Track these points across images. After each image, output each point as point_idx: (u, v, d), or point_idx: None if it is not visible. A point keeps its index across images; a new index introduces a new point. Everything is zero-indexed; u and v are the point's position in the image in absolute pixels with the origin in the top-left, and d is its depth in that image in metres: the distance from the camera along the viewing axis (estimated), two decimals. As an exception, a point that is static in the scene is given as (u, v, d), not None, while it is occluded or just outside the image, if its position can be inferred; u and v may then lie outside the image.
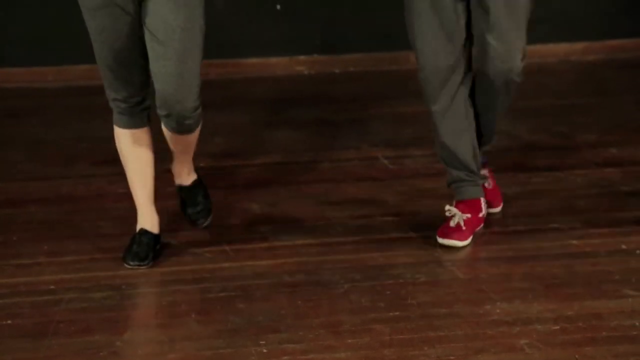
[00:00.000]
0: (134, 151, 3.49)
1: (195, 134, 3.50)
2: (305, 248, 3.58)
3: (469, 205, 3.63)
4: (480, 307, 3.17)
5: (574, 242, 3.60)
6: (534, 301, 3.20)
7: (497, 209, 3.81)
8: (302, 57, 5.59)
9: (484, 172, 3.75)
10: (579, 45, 5.71)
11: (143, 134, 3.48)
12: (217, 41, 5.42)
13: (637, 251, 3.52)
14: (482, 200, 3.67)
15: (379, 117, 4.88)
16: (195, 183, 3.76)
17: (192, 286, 3.36)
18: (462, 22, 3.47)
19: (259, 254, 3.55)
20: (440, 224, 3.65)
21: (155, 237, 3.51)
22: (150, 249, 3.47)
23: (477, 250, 3.55)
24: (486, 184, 3.75)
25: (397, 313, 3.15)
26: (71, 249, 3.57)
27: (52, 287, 3.34)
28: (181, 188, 3.76)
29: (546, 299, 3.22)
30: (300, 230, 3.72)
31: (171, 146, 3.61)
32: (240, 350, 2.98)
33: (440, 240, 3.58)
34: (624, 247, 3.55)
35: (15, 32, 5.43)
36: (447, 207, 3.63)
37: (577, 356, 2.91)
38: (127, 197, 4.01)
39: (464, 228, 3.58)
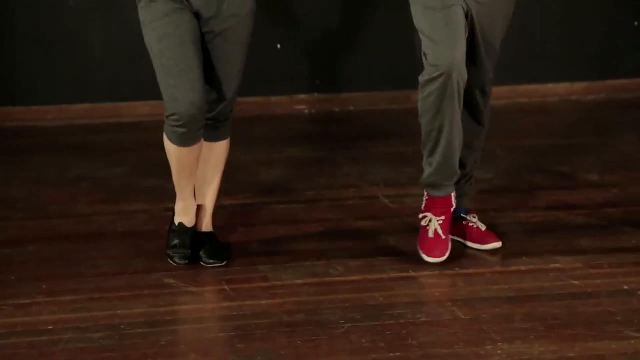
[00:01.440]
0: (190, 164, 3.62)
1: (227, 144, 3.70)
2: (304, 287, 3.57)
3: (441, 203, 3.71)
4: (481, 348, 3.15)
5: (576, 282, 3.58)
6: (535, 342, 3.18)
7: (497, 244, 3.82)
8: (302, 96, 5.61)
9: (472, 216, 3.86)
10: (580, 85, 5.72)
11: (196, 148, 3.59)
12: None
13: (639, 292, 3.50)
14: (453, 195, 3.74)
15: (379, 156, 4.88)
16: (213, 234, 3.81)
17: (191, 326, 3.34)
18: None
19: (258, 293, 3.53)
20: (442, 263, 3.64)
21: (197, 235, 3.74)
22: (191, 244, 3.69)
23: (478, 290, 3.53)
24: (481, 227, 3.82)
25: (397, 354, 3.12)
26: (70, 289, 3.56)
27: (50, 327, 3.31)
28: (200, 234, 3.79)
29: (547, 339, 3.20)
30: (300, 269, 3.71)
31: (201, 179, 3.71)
32: (240, 391, 2.95)
33: (424, 257, 3.69)
34: (625, 287, 3.53)
35: (16, 71, 5.45)
36: (421, 214, 3.71)
37: (579, 398, 2.88)
38: (127, 236, 4.01)
39: (443, 237, 3.66)
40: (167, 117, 3.53)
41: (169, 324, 3.33)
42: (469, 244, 3.81)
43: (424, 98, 3.59)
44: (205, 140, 3.63)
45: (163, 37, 3.42)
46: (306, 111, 5.59)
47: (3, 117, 5.42)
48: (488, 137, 3.96)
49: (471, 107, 3.76)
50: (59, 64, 5.43)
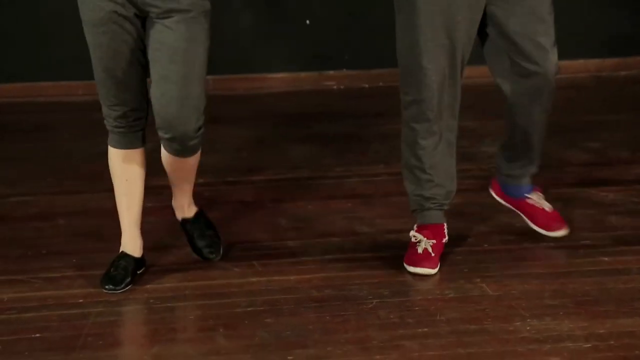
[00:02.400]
0: (124, 172, 3.43)
1: (197, 156, 3.41)
2: (333, 263, 3.57)
3: (432, 230, 3.53)
4: (510, 324, 3.14)
5: (606, 259, 3.56)
6: (565, 318, 3.17)
7: (564, 232, 3.65)
8: (331, 72, 5.59)
9: (536, 194, 3.67)
10: (610, 61, 5.67)
11: (136, 155, 3.41)
12: (244, 56, 5.43)
13: (670, 268, 3.48)
14: (445, 225, 3.56)
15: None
16: (197, 214, 3.65)
17: (220, 301, 3.35)
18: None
19: (286, 268, 3.54)
20: (471, 239, 3.62)
21: (136, 261, 3.45)
22: (128, 273, 3.40)
23: (507, 266, 3.52)
24: (546, 207, 3.65)
25: (426, 329, 3.12)
26: (100, 263, 3.57)
27: (80, 300, 3.34)
28: (185, 221, 3.64)
29: (577, 316, 3.18)
30: (329, 245, 3.71)
31: (171, 175, 3.51)
32: (268, 365, 2.96)
33: (411, 268, 3.45)
34: (656, 264, 3.51)
35: (46, 48, 5.47)
36: (412, 233, 3.53)
37: (609, 374, 2.87)
38: (155, 211, 4.02)
39: (432, 254, 3.47)
40: (105, 117, 3.39)
41: (198, 298, 3.34)
42: (533, 226, 3.64)
43: None
44: (174, 155, 3.37)
45: (97, 46, 3.25)
46: (335, 87, 5.58)
47: (32, 92, 5.45)
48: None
49: None
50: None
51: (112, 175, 3.46)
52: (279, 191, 4.22)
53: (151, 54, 3.21)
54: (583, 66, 5.64)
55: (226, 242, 3.72)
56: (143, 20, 3.24)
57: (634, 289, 3.35)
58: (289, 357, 2.98)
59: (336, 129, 4.93)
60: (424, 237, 3.51)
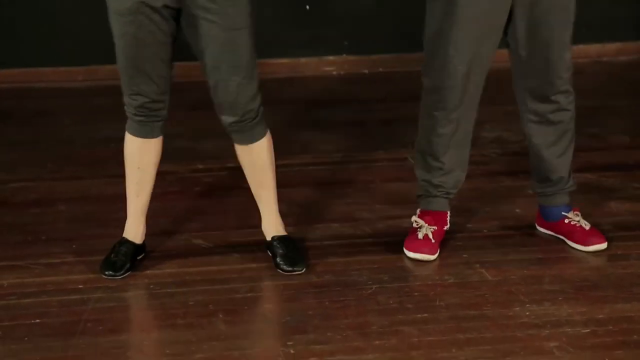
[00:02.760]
0: (138, 160, 3.41)
1: (265, 146, 3.39)
2: (333, 249, 3.57)
3: (435, 217, 3.54)
4: (509, 309, 3.14)
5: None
6: (564, 304, 3.17)
7: (602, 246, 3.53)
8: (331, 58, 5.58)
9: (574, 214, 3.57)
10: (611, 46, 5.66)
11: (152, 144, 3.40)
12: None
13: (670, 254, 3.48)
14: (448, 214, 3.57)
15: (408, 118, 4.85)
16: (287, 236, 3.51)
17: (220, 286, 3.35)
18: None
19: (286, 254, 3.53)
20: (471, 225, 3.63)
21: (136, 247, 3.45)
22: (128, 259, 3.41)
23: (506, 252, 3.52)
24: (584, 225, 3.55)
25: (425, 315, 3.13)
26: (99, 249, 3.58)
27: (80, 286, 3.34)
28: (273, 239, 3.48)
29: (576, 301, 3.19)
30: (329, 230, 3.71)
31: (252, 186, 3.46)
32: (268, 350, 2.97)
33: (410, 254, 3.46)
34: (655, 249, 3.52)
35: (47, 33, 5.46)
36: (414, 218, 3.54)
37: (607, 359, 2.87)
38: (155, 197, 4.02)
39: (433, 241, 3.48)
40: (125, 105, 3.38)
41: (198, 284, 3.35)
42: (571, 244, 3.53)
43: None
44: (240, 144, 3.39)
45: (122, 35, 3.25)
46: (335, 72, 5.57)
47: (33, 77, 5.44)
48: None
49: None
50: (89, 25, 5.43)
51: (125, 161, 3.44)
52: (278, 176, 4.21)
53: (199, 46, 3.21)
54: (583, 51, 5.63)
55: (225, 228, 3.72)
56: (177, 12, 3.22)
57: (633, 274, 3.35)
58: (288, 343, 2.99)
59: (336, 115, 4.92)
60: (426, 223, 3.51)
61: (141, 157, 3.41)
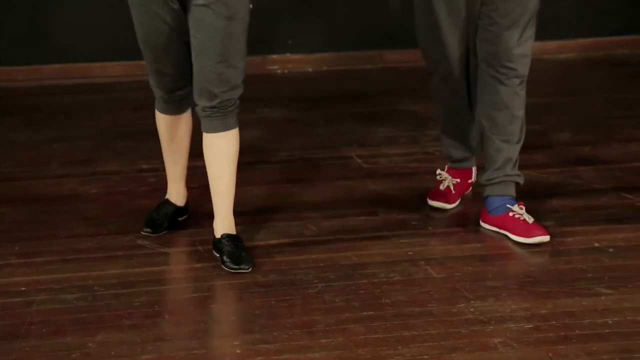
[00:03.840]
0: (170, 133, 3.62)
1: (232, 138, 3.43)
2: (278, 248, 3.57)
3: (459, 171, 3.85)
4: (454, 306, 3.17)
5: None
6: (507, 299, 3.21)
7: (544, 238, 3.58)
8: (275, 56, 5.58)
9: (518, 207, 3.64)
10: (552, 44, 5.73)
11: (182, 119, 3.60)
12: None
13: (610, 249, 3.54)
14: (474, 169, 3.86)
15: (353, 116, 4.88)
16: (234, 235, 3.49)
17: (165, 287, 3.34)
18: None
19: (232, 254, 3.53)
20: (416, 223, 3.66)
21: (176, 209, 3.68)
22: (167, 218, 3.64)
23: (450, 249, 3.55)
24: (528, 219, 3.59)
25: (371, 312, 3.14)
26: (43, 250, 3.55)
27: (23, 288, 3.31)
28: (222, 236, 3.48)
29: (520, 297, 3.22)
30: (274, 229, 3.71)
31: (211, 184, 3.48)
32: (214, 350, 2.96)
33: (431, 202, 3.82)
34: (597, 245, 3.56)
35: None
36: (439, 171, 3.84)
37: (550, 355, 2.91)
38: (100, 198, 3.99)
39: (453, 191, 3.80)
40: (151, 86, 3.58)
41: (143, 284, 3.33)
42: (515, 237, 3.56)
43: None
44: (209, 132, 3.44)
45: (139, 24, 3.44)
46: (279, 71, 5.57)
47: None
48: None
49: None
50: (29, 24, 5.37)
51: (159, 136, 3.65)
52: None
53: (191, 32, 3.35)
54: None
55: (171, 228, 3.71)
56: (184, 2, 3.36)
57: (575, 269, 3.40)
58: (235, 343, 2.99)
59: (280, 114, 4.92)
60: (450, 175, 3.83)
61: (172, 132, 3.61)
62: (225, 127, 3.43)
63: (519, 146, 3.68)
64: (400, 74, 5.43)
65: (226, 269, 3.39)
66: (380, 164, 4.30)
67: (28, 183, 4.16)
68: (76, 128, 4.76)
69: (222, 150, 3.45)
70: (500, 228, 3.63)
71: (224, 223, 3.50)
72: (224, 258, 3.41)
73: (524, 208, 3.62)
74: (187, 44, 3.42)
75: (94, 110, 5.00)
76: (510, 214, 3.60)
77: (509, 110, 3.62)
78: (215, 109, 3.39)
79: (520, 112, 3.66)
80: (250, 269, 3.39)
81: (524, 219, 3.58)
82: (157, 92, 3.57)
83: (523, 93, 3.66)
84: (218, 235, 3.49)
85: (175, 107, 3.58)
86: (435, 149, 4.38)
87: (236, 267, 3.39)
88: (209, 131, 3.43)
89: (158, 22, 3.38)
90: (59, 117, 4.89)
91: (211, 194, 3.52)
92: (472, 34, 3.62)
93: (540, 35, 5.73)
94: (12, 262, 3.48)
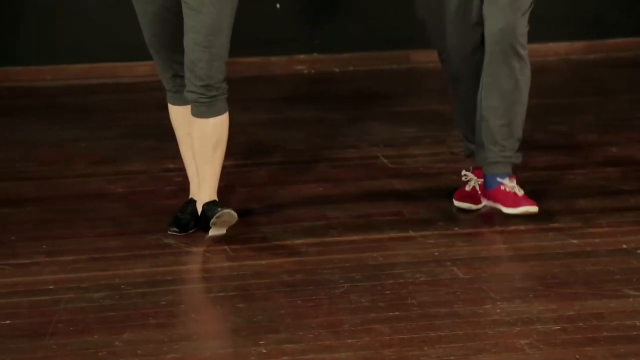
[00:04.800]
0: (185, 126, 3.61)
1: (220, 124, 3.51)
2: (304, 248, 3.57)
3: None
4: (480, 307, 3.16)
5: (575, 241, 3.59)
6: (534, 301, 3.19)
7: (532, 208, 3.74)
8: (301, 56, 5.58)
9: (510, 180, 3.76)
10: (579, 44, 5.70)
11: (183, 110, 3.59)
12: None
13: (638, 250, 3.51)
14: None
15: (379, 116, 4.88)
16: (214, 202, 3.57)
17: (192, 286, 3.34)
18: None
19: (258, 253, 3.54)
20: (442, 223, 3.65)
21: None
22: (193, 217, 3.62)
23: (477, 250, 3.54)
24: (518, 192, 3.73)
25: (397, 313, 3.13)
26: (70, 249, 3.56)
27: (50, 287, 3.32)
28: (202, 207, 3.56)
29: (547, 298, 3.21)
30: (300, 230, 3.71)
31: (196, 155, 3.55)
32: (240, 350, 2.96)
33: (457, 203, 3.79)
34: (624, 246, 3.54)
35: (14, 31, 5.42)
36: (464, 172, 3.83)
37: (577, 356, 2.89)
38: (126, 197, 4.01)
39: (479, 192, 3.78)
40: (161, 78, 3.63)
41: (169, 283, 3.34)
42: (504, 209, 3.71)
43: None
44: (200, 117, 3.50)
45: (143, 14, 3.52)
46: (305, 71, 5.58)
47: (1, 77, 5.40)
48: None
49: None
50: (57, 24, 5.40)
51: (174, 130, 3.68)
52: (249, 176, 4.22)
53: (183, 10, 3.44)
54: (552, 49, 5.67)
55: (196, 228, 3.71)
56: None
57: (602, 270, 3.38)
58: (260, 342, 2.99)
59: (306, 114, 4.93)
60: (475, 176, 3.79)
61: (187, 123, 3.59)
62: (216, 114, 3.51)
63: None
64: (427, 74, 5.41)
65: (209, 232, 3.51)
66: (406, 164, 4.29)
67: (54, 182, 4.18)
68: (102, 128, 4.78)
69: (210, 137, 3.52)
70: (494, 202, 3.76)
71: (205, 197, 3.56)
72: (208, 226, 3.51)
73: (515, 181, 3.74)
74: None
75: (119, 109, 5.02)
76: (502, 187, 3.74)
77: (512, 93, 3.75)
78: (207, 96, 3.48)
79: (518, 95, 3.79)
80: (231, 210, 3.46)
81: (514, 192, 3.70)
82: (168, 84, 3.60)
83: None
84: (199, 207, 3.57)
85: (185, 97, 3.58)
86: (461, 149, 4.36)
87: (213, 219, 3.45)
88: (201, 117, 3.52)
89: (162, 10, 3.46)
90: (84, 116, 4.91)
91: (197, 169, 3.57)
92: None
93: (567, 36, 5.73)
94: (39, 261, 3.50)
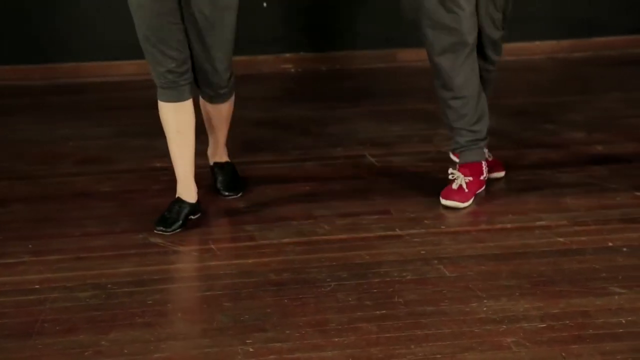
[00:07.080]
0: (175, 124, 3.66)
1: (229, 106, 3.85)
2: (291, 246, 3.58)
3: (470, 168, 3.86)
4: (467, 305, 3.16)
5: (561, 239, 3.60)
6: (520, 299, 3.20)
7: (501, 174, 4.05)
8: (288, 55, 5.58)
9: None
10: (565, 43, 5.71)
11: (184, 107, 3.65)
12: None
13: (624, 248, 3.52)
14: (484, 163, 3.91)
15: (366, 115, 4.88)
16: (227, 163, 4.00)
17: (178, 285, 3.34)
18: None
19: (245, 252, 3.54)
20: (429, 222, 3.65)
21: (190, 206, 3.69)
22: (180, 217, 3.65)
23: (463, 248, 3.55)
24: (487, 157, 3.97)
25: (384, 311, 3.14)
26: (56, 248, 3.56)
27: (37, 286, 3.32)
28: (215, 165, 3.99)
29: (533, 296, 3.22)
30: (287, 228, 3.71)
31: (208, 124, 3.92)
32: (227, 349, 2.97)
33: (443, 201, 3.81)
34: (610, 244, 3.55)
35: (2, 31, 5.41)
36: (450, 170, 3.87)
37: (563, 354, 2.90)
38: (112, 196, 4.00)
39: (466, 190, 3.82)
40: (152, 75, 3.62)
41: (156, 283, 3.33)
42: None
43: None
44: (212, 103, 3.84)
45: (138, 8, 3.54)
46: (292, 70, 5.57)
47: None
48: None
49: None
50: (44, 23, 5.39)
51: (164, 128, 3.71)
52: (240, 173, 4.21)
53: (190, 20, 3.55)
54: (539, 48, 5.68)
55: (184, 227, 3.71)
56: None
57: (588, 268, 3.39)
58: (247, 341, 2.99)
59: (293, 112, 4.92)
60: (461, 174, 3.85)
61: (177, 120, 3.65)
62: (224, 101, 3.83)
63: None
64: (414, 73, 5.42)
65: (220, 195, 3.89)
66: (393, 162, 4.29)
67: (41, 181, 4.17)
68: (90, 126, 4.77)
69: (220, 114, 3.89)
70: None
71: (216, 155, 3.99)
72: (217, 185, 3.93)
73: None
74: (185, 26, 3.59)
75: (107, 108, 5.01)
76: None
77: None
78: (218, 92, 3.75)
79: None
80: (240, 195, 3.89)
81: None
82: (161, 79, 3.61)
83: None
84: (211, 162, 4.00)
85: (179, 93, 3.64)
86: (448, 148, 4.37)
87: (226, 193, 3.90)
88: (212, 103, 3.84)
89: (158, 3, 3.49)
90: (72, 115, 4.90)
91: (208, 132, 3.97)
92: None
93: (554, 34, 5.74)
94: (25, 260, 3.49)
